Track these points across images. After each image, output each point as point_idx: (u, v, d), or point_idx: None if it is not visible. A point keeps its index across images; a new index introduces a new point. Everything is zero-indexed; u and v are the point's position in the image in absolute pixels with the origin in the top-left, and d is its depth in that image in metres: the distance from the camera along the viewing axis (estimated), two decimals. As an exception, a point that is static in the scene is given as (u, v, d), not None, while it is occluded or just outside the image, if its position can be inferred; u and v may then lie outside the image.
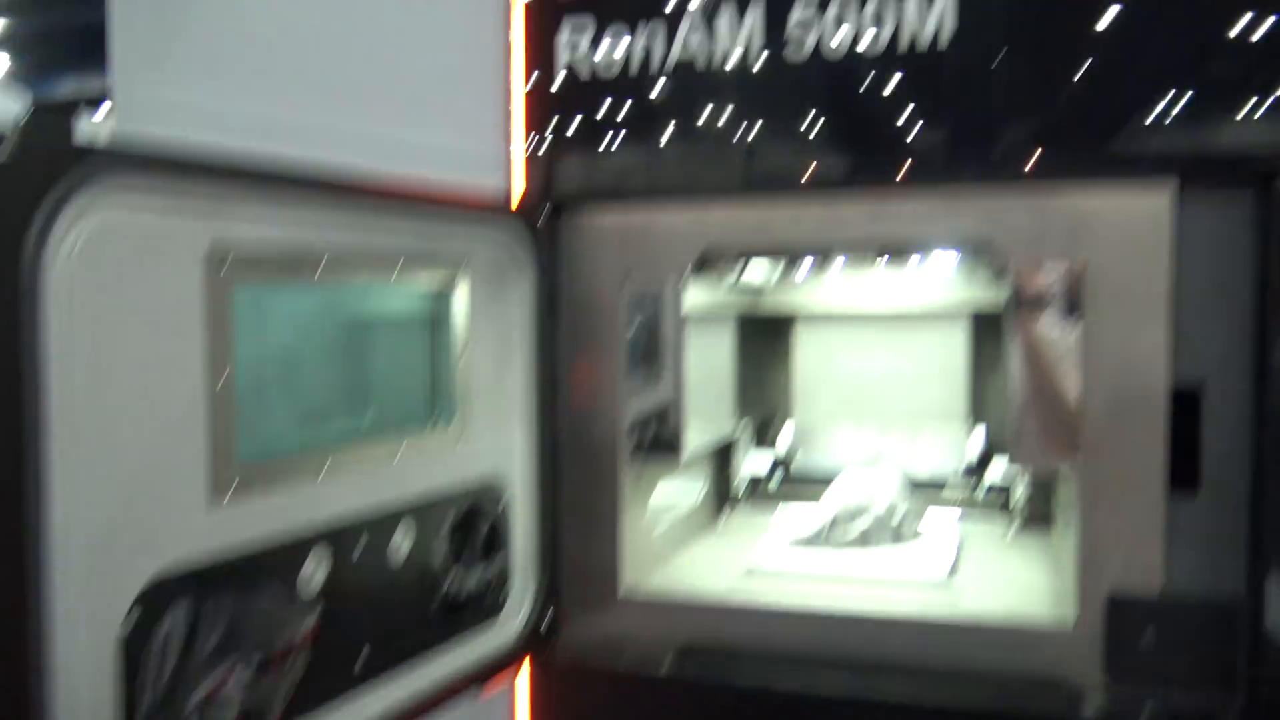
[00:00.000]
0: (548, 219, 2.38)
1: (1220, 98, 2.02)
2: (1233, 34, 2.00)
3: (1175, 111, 2.04)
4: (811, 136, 2.25)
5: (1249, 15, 1.98)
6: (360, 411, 2.01)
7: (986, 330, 3.20)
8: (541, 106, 2.43)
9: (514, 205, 2.36)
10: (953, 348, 3.25)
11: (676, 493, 3.02)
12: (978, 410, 3.28)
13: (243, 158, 1.56)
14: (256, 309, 1.65)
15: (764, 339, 3.48)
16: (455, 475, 2.12)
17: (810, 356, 3.42)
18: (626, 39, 2.35)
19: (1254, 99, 1.99)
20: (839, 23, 2.20)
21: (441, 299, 2.12)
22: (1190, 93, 2.03)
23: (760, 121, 2.29)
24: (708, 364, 3.18)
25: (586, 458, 2.48)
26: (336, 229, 1.78)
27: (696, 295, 2.77)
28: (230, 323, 1.56)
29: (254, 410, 1.64)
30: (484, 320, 2.21)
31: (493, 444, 2.24)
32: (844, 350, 3.38)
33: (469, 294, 2.14)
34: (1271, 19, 1.97)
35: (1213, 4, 2.01)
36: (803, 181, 2.27)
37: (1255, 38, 1.98)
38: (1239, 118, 2.00)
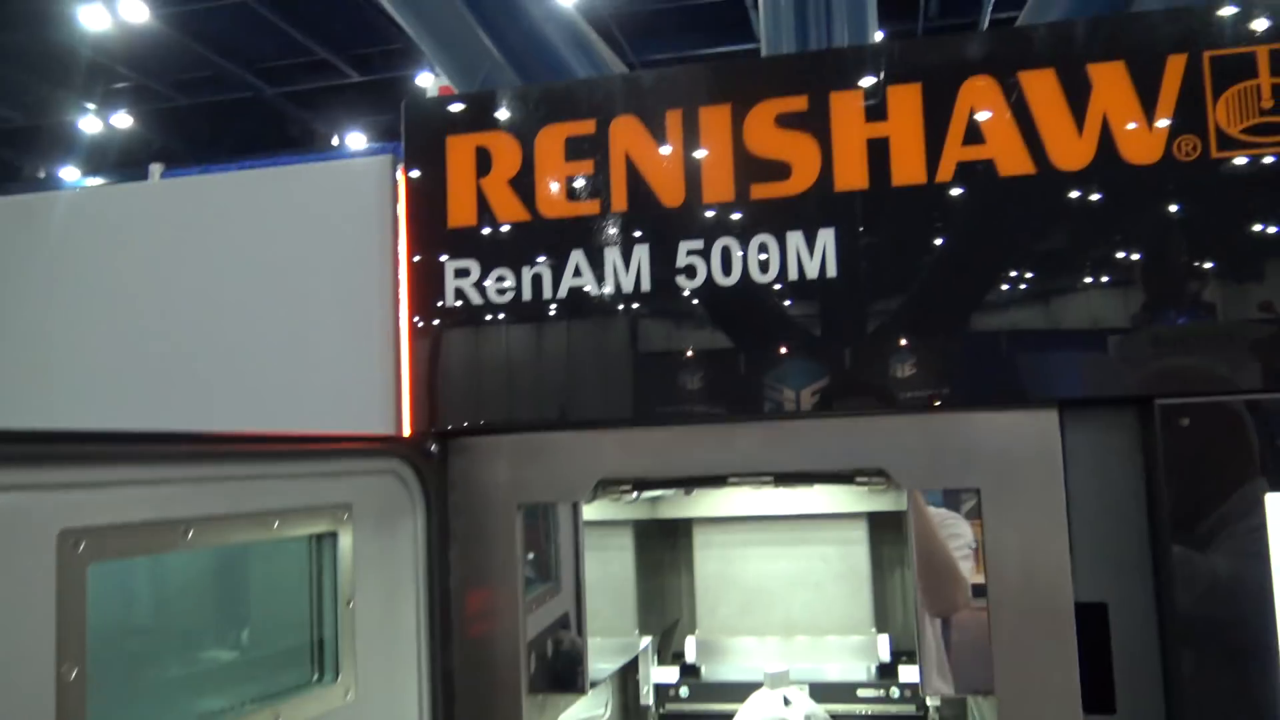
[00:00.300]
0: (437, 451, 2.28)
1: (1094, 325, 2.08)
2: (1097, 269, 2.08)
3: (1054, 341, 2.10)
4: (703, 365, 2.24)
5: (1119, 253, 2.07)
6: (235, 679, 1.83)
7: (887, 529, 3.19)
8: (428, 339, 2.36)
9: (403, 439, 2.26)
10: (854, 548, 3.22)
11: (581, 710, 2.86)
12: (883, 609, 3.24)
13: (96, 433, 1.44)
14: (115, 586, 1.50)
15: (663, 545, 3.41)
16: (342, 735, 1.94)
17: (710, 561, 3.35)
18: (511, 279, 2.32)
19: (1126, 326, 2.06)
20: (727, 256, 2.22)
21: (325, 544, 1.98)
22: (1066, 321, 2.10)
23: (651, 351, 2.27)
24: (607, 573, 3.07)
25: (486, 693, 2.33)
26: (203, 493, 1.65)
27: (594, 508, 2.70)
28: (84, 605, 1.40)
29: (112, 697, 1.47)
30: (373, 560, 2.07)
31: (384, 695, 2.07)
32: (744, 554, 3.32)
33: (356, 535, 2.01)
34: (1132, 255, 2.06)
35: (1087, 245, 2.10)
36: (696, 411, 2.24)
37: (1122, 270, 2.07)
38: (1114, 343, 2.07)
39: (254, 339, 2.44)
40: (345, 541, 1.99)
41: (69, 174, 16.73)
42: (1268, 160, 2.03)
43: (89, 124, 15.41)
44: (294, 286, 2.44)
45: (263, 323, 2.44)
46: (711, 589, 3.34)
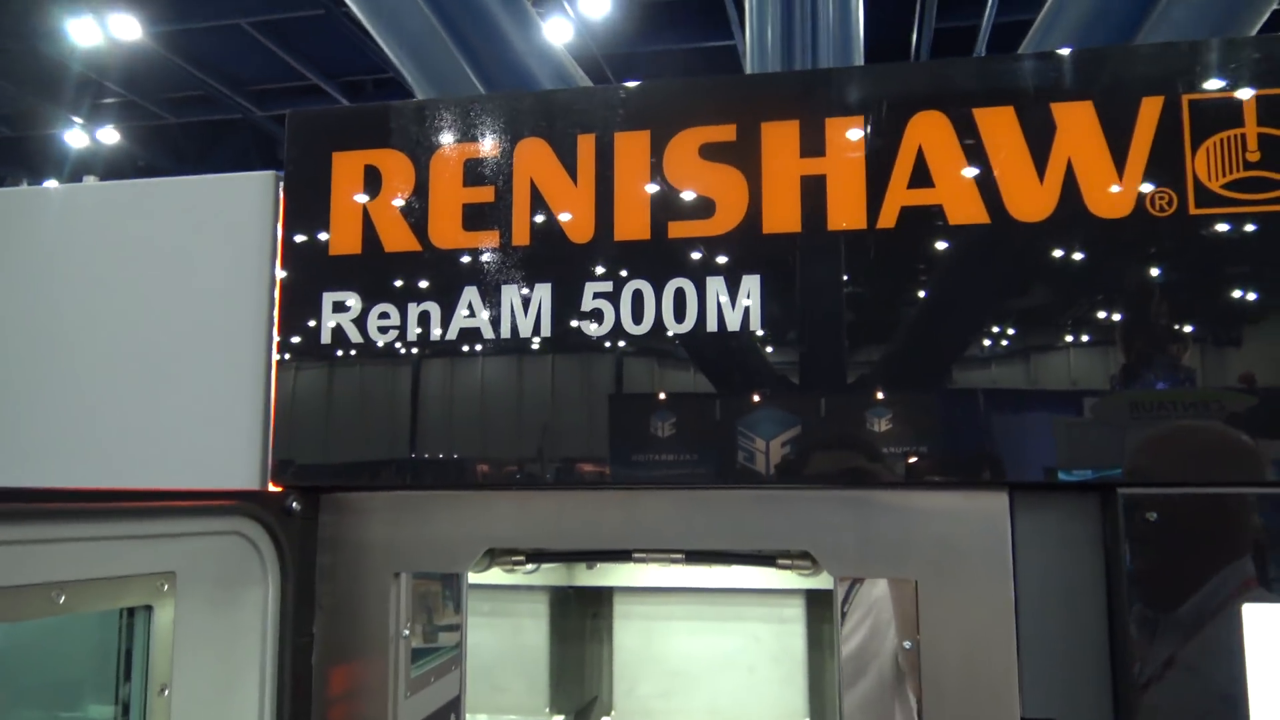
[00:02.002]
0: (302, 508, 1.98)
1: (1052, 399, 1.81)
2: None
3: (1006, 414, 1.82)
4: (609, 423, 1.95)
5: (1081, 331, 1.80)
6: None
7: (826, 607, 2.89)
8: (299, 380, 2.07)
9: (252, 495, 1.96)
10: (789, 628, 2.91)
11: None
12: (819, 697, 2.92)
13: None
14: None
15: (581, 614, 3.10)
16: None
17: (632, 635, 3.04)
18: (396, 316, 2.03)
19: (1089, 402, 1.78)
20: (639, 301, 1.94)
21: (139, 619, 1.68)
22: (1021, 393, 1.82)
23: (549, 404, 1.98)
24: (517, 643, 2.77)
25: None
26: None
27: (497, 574, 2.41)
28: None
29: None
30: (203, 638, 1.77)
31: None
32: (669, 629, 3.01)
33: (180, 608, 1.71)
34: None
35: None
36: (599, 474, 1.95)
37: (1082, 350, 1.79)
38: (1075, 420, 1.79)
39: (105, 373, 2.14)
40: (163, 617, 1.68)
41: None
42: (1252, 221, 1.76)
43: (75, 138, 15.15)
44: (156, 315, 2.15)
45: (116, 355, 2.15)
46: (632, 666, 3.02)
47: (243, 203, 2.15)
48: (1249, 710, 1.67)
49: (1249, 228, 1.76)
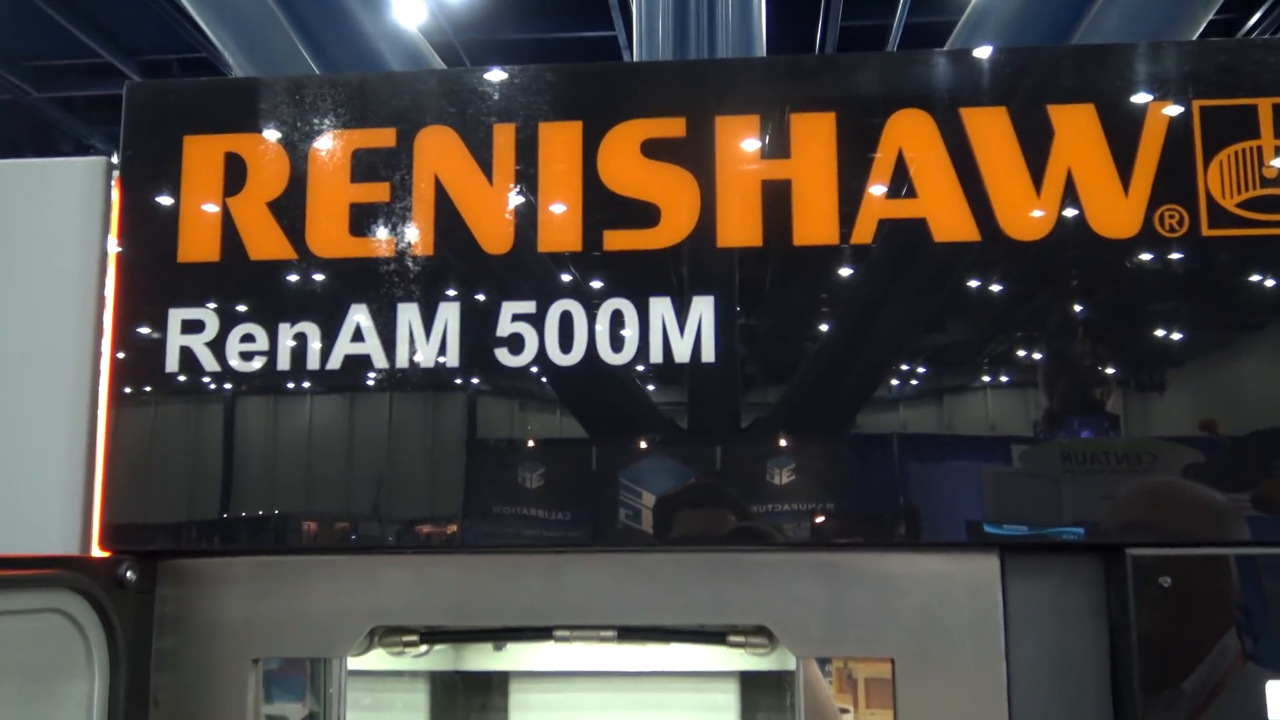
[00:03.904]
0: (136, 579, 1.79)
1: (1049, 446, 1.79)
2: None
3: (997, 464, 1.79)
4: (528, 472, 1.84)
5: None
6: None
7: (762, 691, 2.83)
8: (137, 419, 1.90)
9: (76, 561, 1.78)
10: (721, 716, 2.83)
11: None
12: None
13: None
14: None
15: (468, 704, 2.96)
16: None
17: (531, 730, 2.91)
18: (264, 339, 1.88)
19: (1091, 449, 1.77)
20: (567, 325, 1.84)
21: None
22: (1014, 439, 1.79)
23: (456, 449, 1.86)
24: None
25: None
26: None
27: (373, 657, 2.26)
28: None
29: None
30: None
31: None
32: (575, 720, 2.89)
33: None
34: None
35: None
36: (513, 535, 1.84)
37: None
38: (1076, 471, 1.77)
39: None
40: (-43, 722, 1.48)
41: None
42: (1271, 244, 1.78)
43: None
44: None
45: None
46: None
47: (64, 195, 1.96)
48: (1276, 805, 1.66)
49: (1267, 249, 1.78)
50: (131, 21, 12.04)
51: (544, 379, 1.85)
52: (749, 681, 2.86)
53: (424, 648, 2.13)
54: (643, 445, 1.84)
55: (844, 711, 1.88)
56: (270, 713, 2.09)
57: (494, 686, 2.98)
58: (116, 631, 1.74)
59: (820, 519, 1.81)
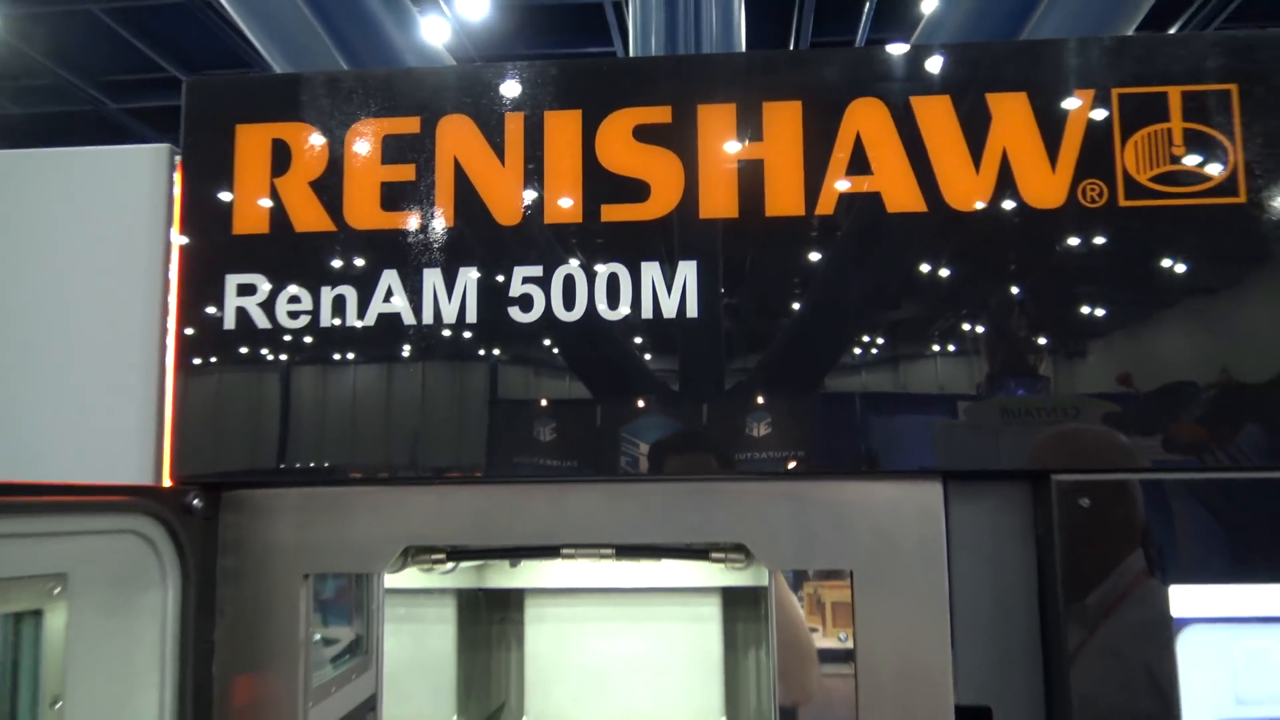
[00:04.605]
0: (203, 506, 1.82)
1: (986, 386, 1.80)
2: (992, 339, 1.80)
3: (941, 402, 1.81)
4: (536, 414, 1.86)
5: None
6: None
7: (742, 606, 2.85)
8: (200, 369, 1.91)
9: (150, 490, 1.80)
10: (705, 626, 2.86)
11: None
12: (735, 696, 2.88)
13: None
14: None
15: (490, 619, 2.98)
16: None
17: (543, 638, 2.93)
18: (308, 300, 1.90)
19: (1022, 389, 1.79)
20: (570, 286, 1.85)
21: (26, 626, 1.50)
22: (956, 380, 1.82)
23: (474, 394, 1.87)
24: (422, 650, 2.64)
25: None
26: None
27: (407, 576, 2.28)
28: None
29: None
30: (99, 645, 1.60)
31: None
32: (581, 631, 2.92)
33: (73, 614, 1.54)
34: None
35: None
36: (525, 467, 1.86)
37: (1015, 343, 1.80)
38: (1009, 408, 1.79)
39: None
40: (55, 623, 1.51)
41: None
42: (1179, 213, 1.79)
43: (-92, 127, 14.11)
44: (39, 295, 1.95)
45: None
46: (544, 670, 2.92)
47: (133, 178, 1.97)
48: (1178, 690, 1.69)
49: (1175, 218, 1.79)
50: (193, 40, 11.99)
51: (551, 333, 1.86)
52: (729, 596, 2.88)
53: (450, 565, 2.15)
54: (636, 390, 1.85)
55: (813, 630, 1.90)
56: (324, 635, 2.11)
57: (511, 601, 3.00)
58: (186, 551, 1.77)
59: (790, 452, 1.82)
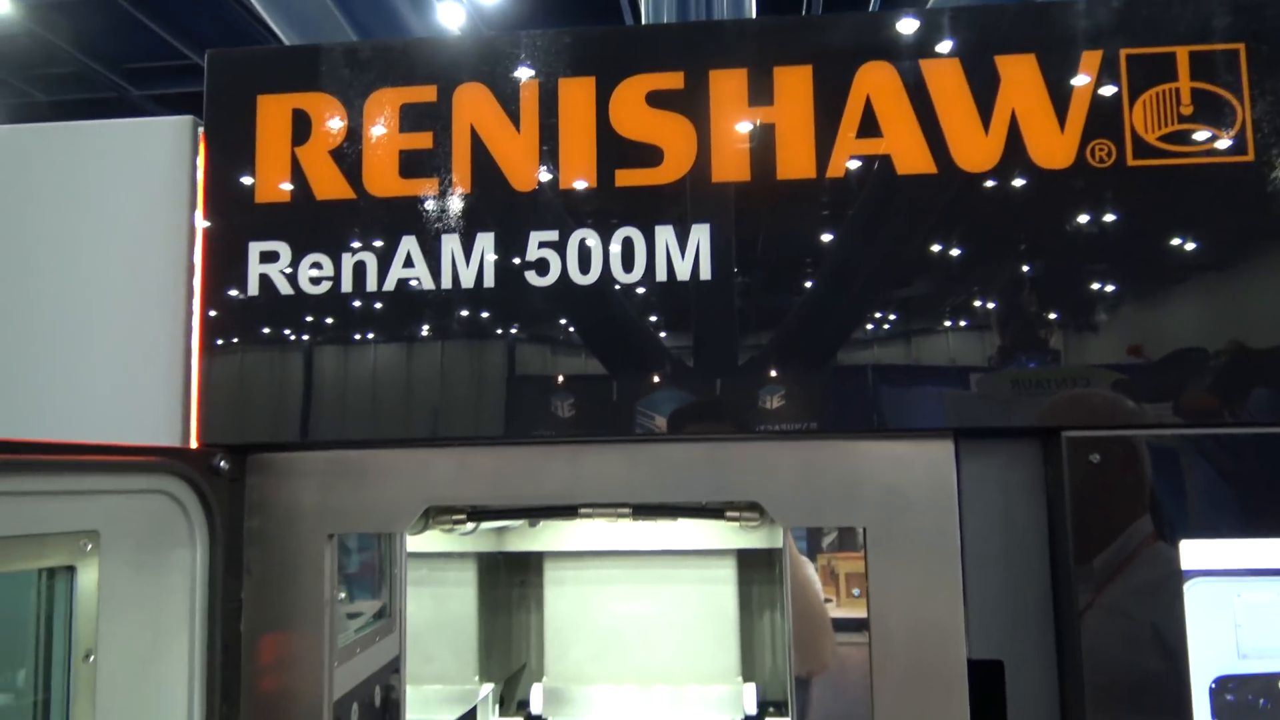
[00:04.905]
0: (230, 468, 1.85)
1: (997, 346, 1.80)
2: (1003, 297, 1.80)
3: (952, 361, 1.81)
4: (554, 376, 1.88)
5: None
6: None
7: (757, 568, 2.87)
8: (225, 334, 1.94)
9: (179, 452, 1.83)
10: (720, 588, 2.88)
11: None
12: (750, 656, 2.91)
13: None
14: None
15: (510, 581, 3.01)
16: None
17: (562, 600, 2.96)
18: (329, 266, 1.92)
19: (1033, 348, 1.79)
20: (585, 250, 1.86)
21: (60, 581, 1.53)
22: (966, 340, 1.82)
23: (492, 357, 1.89)
24: (444, 612, 2.67)
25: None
26: None
27: (428, 539, 2.31)
28: None
29: None
30: (129, 602, 1.63)
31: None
32: (600, 593, 2.94)
33: (104, 570, 1.57)
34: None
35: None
36: (543, 428, 1.88)
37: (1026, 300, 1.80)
38: (1019, 367, 1.79)
39: (14, 324, 1.97)
40: (87, 578, 1.54)
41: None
42: (1187, 173, 1.78)
43: (-65, 115, 14.19)
44: (66, 265, 1.98)
45: (25, 305, 1.97)
46: (563, 631, 2.95)
47: (158, 148, 1.99)
48: (1187, 644, 1.70)
49: (1183, 177, 1.78)
50: (214, 26, 11.98)
51: (566, 297, 1.88)
52: (745, 558, 2.90)
53: (470, 526, 2.18)
54: (651, 352, 1.87)
55: (827, 600, 1.92)
56: (350, 610, 2.13)
57: (531, 564, 3.04)
58: (213, 512, 1.80)
59: (803, 411, 1.83)
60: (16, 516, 1.42)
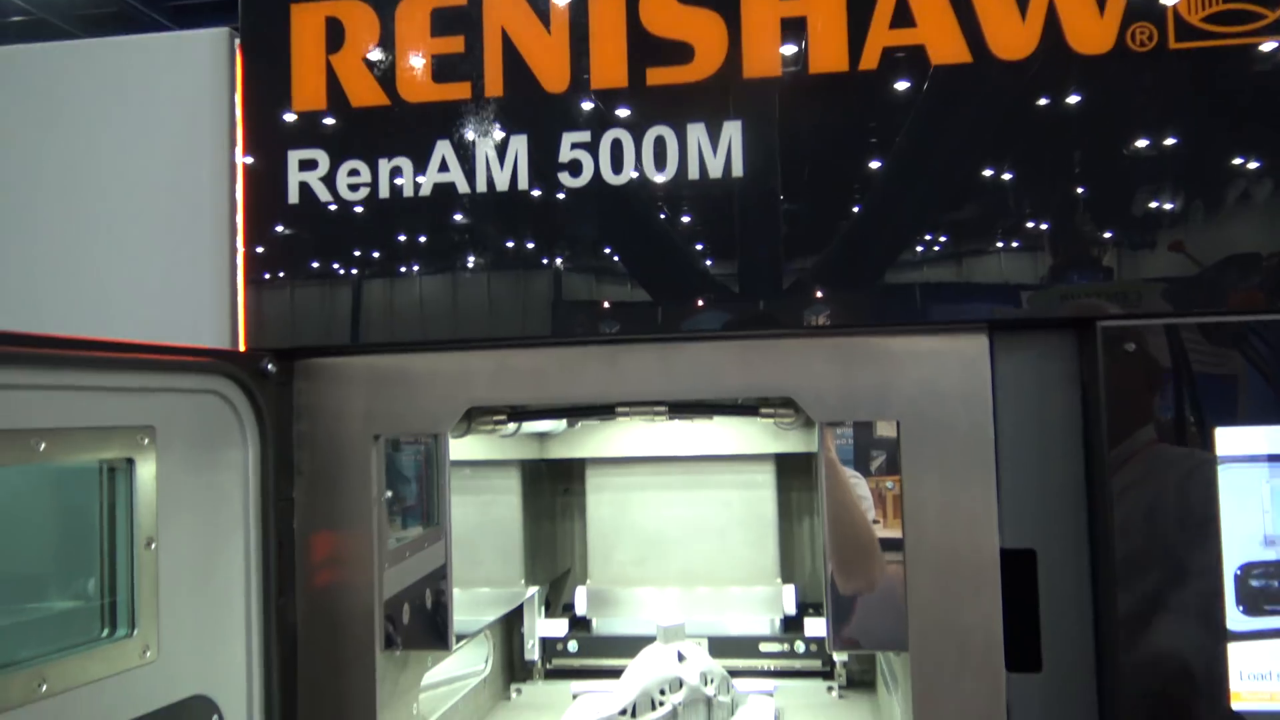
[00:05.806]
0: (278, 373, 1.89)
1: (1031, 237, 1.78)
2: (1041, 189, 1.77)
3: (985, 253, 1.79)
4: (589, 276, 1.89)
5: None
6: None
7: (794, 472, 2.89)
8: (267, 242, 1.97)
9: (227, 354, 1.87)
10: (759, 492, 2.90)
11: (457, 665, 2.52)
12: (789, 558, 2.95)
13: None
14: None
15: (553, 488, 3.06)
16: (139, 702, 1.56)
17: (604, 506, 3.01)
18: (367, 173, 1.93)
19: (1067, 239, 1.76)
20: (618, 150, 1.86)
21: (120, 473, 1.59)
22: (1000, 232, 1.79)
23: (528, 259, 1.90)
24: (490, 518, 2.73)
25: (334, 650, 1.97)
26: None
27: (472, 445, 2.35)
28: None
29: None
30: (187, 495, 1.69)
31: (198, 652, 1.69)
32: (641, 498, 2.98)
33: (161, 464, 1.62)
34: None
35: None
36: (580, 328, 1.89)
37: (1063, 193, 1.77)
38: (1053, 258, 1.77)
39: (67, 233, 2.01)
40: (145, 471, 1.59)
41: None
42: (1232, 55, 1.73)
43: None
44: (114, 176, 2.01)
45: (77, 216, 2.02)
46: (605, 536, 3.00)
47: (196, 60, 2.01)
48: (1220, 531, 1.70)
49: (1228, 60, 1.73)
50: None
51: (599, 197, 1.88)
52: (783, 462, 2.92)
53: (511, 427, 2.21)
54: (684, 250, 1.87)
55: (861, 497, 1.92)
56: (394, 500, 2.17)
57: (574, 472, 3.08)
58: (263, 413, 1.84)
59: (836, 306, 1.83)
60: (78, 410, 1.47)
